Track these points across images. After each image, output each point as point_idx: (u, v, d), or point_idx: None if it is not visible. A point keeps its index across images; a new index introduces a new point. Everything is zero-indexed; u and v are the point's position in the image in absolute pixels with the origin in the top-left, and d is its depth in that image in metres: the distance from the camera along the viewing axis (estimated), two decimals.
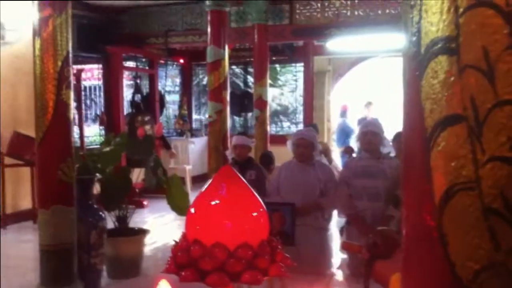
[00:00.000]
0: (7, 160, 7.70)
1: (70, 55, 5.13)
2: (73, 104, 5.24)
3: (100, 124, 9.91)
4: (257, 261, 1.20)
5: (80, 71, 9.12)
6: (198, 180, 10.32)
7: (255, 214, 1.31)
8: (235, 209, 1.28)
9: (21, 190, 7.95)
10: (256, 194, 1.36)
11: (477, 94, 0.66)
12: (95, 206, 5.62)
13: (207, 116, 8.65)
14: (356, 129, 12.65)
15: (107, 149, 5.95)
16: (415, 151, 0.71)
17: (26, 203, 8.07)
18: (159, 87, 11.61)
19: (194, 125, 13.00)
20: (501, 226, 0.65)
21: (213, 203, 1.29)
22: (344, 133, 12.77)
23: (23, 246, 6.72)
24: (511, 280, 0.65)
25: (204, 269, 1.19)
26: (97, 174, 5.81)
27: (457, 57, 0.68)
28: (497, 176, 0.65)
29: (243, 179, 1.39)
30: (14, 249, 7.01)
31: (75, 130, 9.56)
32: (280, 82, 13.73)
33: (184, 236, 1.31)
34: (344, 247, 2.47)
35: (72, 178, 5.07)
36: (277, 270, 1.23)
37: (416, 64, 0.71)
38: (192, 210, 1.33)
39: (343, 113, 12.98)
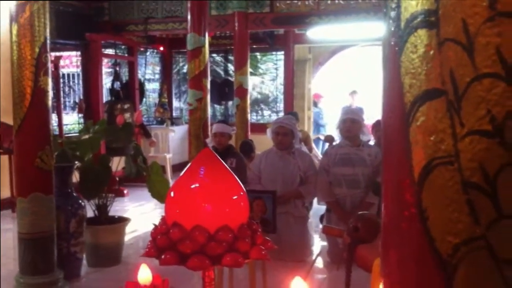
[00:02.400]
0: None
1: (48, 41, 5.05)
2: (51, 91, 5.17)
3: (79, 111, 9.80)
4: (238, 244, 1.20)
5: (58, 58, 9.00)
6: (178, 168, 10.27)
7: (235, 197, 1.30)
8: (215, 192, 1.28)
9: (0, 179, 7.85)
10: (236, 178, 1.36)
11: (456, 68, 0.66)
12: (74, 194, 5.57)
13: (187, 104, 8.60)
14: (328, 119, 12.78)
15: (86, 136, 5.88)
16: (395, 127, 0.71)
17: (5, 192, 7.97)
18: (139, 75, 11.51)
19: (174, 113, 12.93)
20: (481, 200, 0.65)
21: (192, 186, 1.28)
22: (315, 122, 12.91)
23: (3, 235, 6.62)
24: (490, 254, 0.65)
25: (185, 252, 1.19)
26: (76, 162, 5.76)
27: (437, 31, 0.67)
28: (476, 150, 0.65)
29: (223, 163, 1.38)
30: None
31: (54, 118, 9.46)
32: (260, 71, 13.71)
33: (163, 219, 1.30)
34: (325, 231, 2.48)
35: (51, 166, 5.01)
36: (258, 253, 1.23)
37: (396, 40, 0.71)
38: (172, 194, 1.32)
39: (315, 102, 13.08)
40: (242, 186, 1.36)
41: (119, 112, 9.35)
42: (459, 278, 0.66)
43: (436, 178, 0.68)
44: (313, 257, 5.82)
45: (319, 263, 5.73)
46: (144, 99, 12.11)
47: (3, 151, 7.58)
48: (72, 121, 10.30)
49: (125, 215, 6.42)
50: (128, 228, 6.12)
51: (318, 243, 6.15)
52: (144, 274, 1.34)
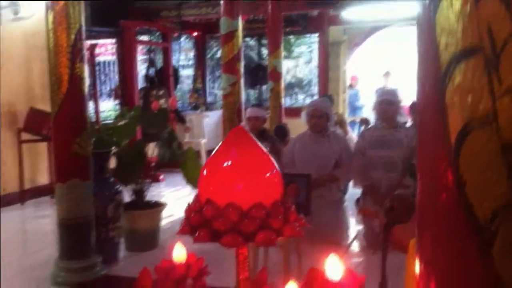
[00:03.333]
0: (24, 136, 7.76)
1: (83, 28, 5.10)
2: (87, 78, 5.24)
3: (115, 98, 9.92)
4: (271, 221, 1.18)
5: (94, 46, 9.11)
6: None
7: (268, 174, 1.29)
8: (248, 170, 1.26)
9: (39, 166, 8.03)
10: (269, 155, 1.34)
11: (494, 23, 0.62)
12: (112, 180, 5.64)
13: (221, 89, 8.60)
14: (365, 101, 12.64)
15: (122, 122, 5.95)
16: (430, 91, 0.68)
17: (43, 178, 8.14)
18: (173, 61, 11.56)
19: (208, 99, 12.97)
20: None
21: (225, 164, 1.27)
22: (352, 104, 12.79)
23: (42, 221, 6.79)
24: None
25: (218, 229, 1.18)
26: (113, 148, 5.82)
27: None
28: None
29: (256, 140, 1.36)
30: (32, 224, 7.11)
31: (91, 105, 9.60)
32: (294, 54, 13.61)
33: (197, 197, 1.29)
34: (361, 212, 2.44)
35: (88, 152, 5.08)
36: (291, 230, 1.21)
37: None
38: (205, 172, 1.31)
39: (352, 85, 12.95)
40: (275, 164, 1.34)
41: (154, 99, 9.44)
42: (498, 244, 0.63)
43: (473, 141, 0.65)
44: (349, 241, 5.78)
45: (355, 246, 5.68)
46: (178, 85, 12.17)
47: (41, 138, 7.73)
48: (108, 108, 10.44)
49: (162, 200, 6.48)
50: (165, 213, 6.18)
51: (354, 227, 6.10)
52: (179, 252, 1.34)
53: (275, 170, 1.31)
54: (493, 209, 0.63)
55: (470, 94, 0.63)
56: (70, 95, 4.96)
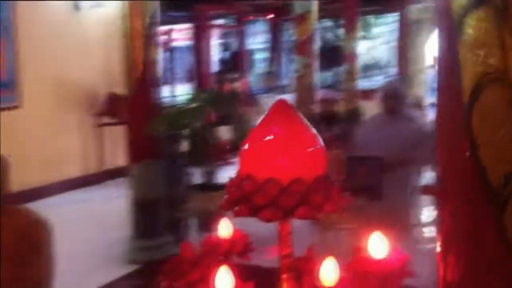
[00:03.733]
0: (104, 119, 8.07)
1: (157, 14, 5.20)
2: (163, 63, 5.35)
3: (188, 81, 10.10)
4: (311, 196, 1.15)
5: (170, 31, 9.28)
6: None
7: (310, 149, 1.25)
8: (289, 144, 1.23)
9: (118, 148, 8.31)
10: (315, 131, 1.30)
11: None
12: (183, 161, 5.75)
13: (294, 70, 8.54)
14: None
15: (194, 105, 6.03)
16: (445, 47, 0.63)
17: (122, 160, 8.42)
18: (248, 45, 11.60)
19: (283, 82, 12.93)
20: None
21: (266, 138, 1.24)
22: (432, 85, 12.31)
23: (120, 201, 7.01)
24: None
25: (257, 204, 1.16)
26: (184, 130, 5.92)
27: None
28: None
29: (299, 114, 1.32)
30: (111, 204, 7.38)
31: (166, 89, 9.83)
32: (373, 34, 13.28)
33: (238, 172, 1.27)
34: (425, 191, 2.35)
35: (161, 134, 5.21)
36: (333, 206, 1.17)
37: None
38: (246, 146, 1.29)
39: (432, 65, 12.46)
40: (320, 140, 1.29)
41: (228, 82, 9.51)
42: (509, 210, 0.58)
43: (487, 98, 0.64)
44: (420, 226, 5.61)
45: (426, 232, 5.51)
46: (252, 68, 12.22)
47: (120, 121, 7.98)
48: (184, 91, 10.64)
49: None
50: None
51: (426, 212, 5.90)
52: (225, 228, 1.33)
53: (318, 146, 1.27)
54: (505, 173, 0.61)
55: (482, 48, 0.59)
56: (143, 78, 5.10)
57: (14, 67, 7.00)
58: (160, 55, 5.35)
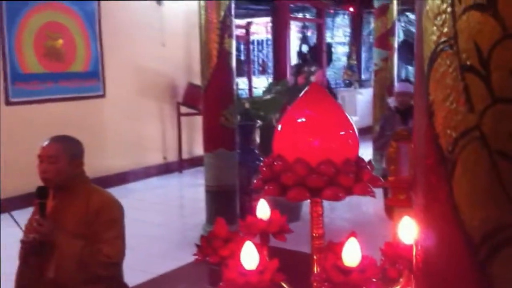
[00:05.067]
0: (183, 110, 8.31)
1: (232, 5, 5.28)
2: (239, 55, 5.43)
3: (262, 73, 10.18)
4: (340, 178, 1.15)
5: (249, 24, 9.38)
6: (365, 131, 10.14)
7: (342, 133, 1.25)
8: (320, 126, 1.24)
9: (195, 137, 8.53)
10: (347, 115, 1.30)
11: None
12: (256, 151, 5.82)
13: (373, 64, 8.41)
14: None
15: (268, 96, 6.09)
16: (416, 23, 0.68)
17: (199, 149, 8.64)
18: (328, 38, 11.51)
19: (363, 76, 12.73)
20: (475, 84, 0.63)
21: (299, 120, 1.26)
22: None
23: (196, 189, 7.21)
24: (484, 145, 0.61)
25: (286, 183, 1.18)
26: (259, 121, 6.00)
27: None
28: (471, 27, 0.62)
29: (334, 99, 1.33)
30: (188, 191, 7.61)
31: (244, 81, 9.96)
32: None
33: (272, 153, 1.30)
34: None
35: (234, 124, 5.31)
36: (363, 189, 1.17)
37: None
38: (279, 127, 1.31)
39: None
40: (353, 124, 1.29)
41: (306, 75, 9.50)
42: (457, 174, 0.63)
43: (439, 65, 0.65)
44: None
45: None
46: (332, 62, 12.10)
47: (197, 111, 8.19)
48: (261, 84, 10.74)
49: None
50: None
51: None
52: (262, 208, 1.36)
53: (351, 130, 1.27)
54: (453, 138, 0.63)
55: (437, 16, 0.63)
56: (218, 70, 5.20)
57: (99, 58, 7.36)
58: (236, 48, 5.42)
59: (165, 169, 8.33)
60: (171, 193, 7.66)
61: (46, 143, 2.72)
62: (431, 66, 0.66)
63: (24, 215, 2.76)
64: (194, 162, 8.27)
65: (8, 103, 6.52)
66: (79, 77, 7.19)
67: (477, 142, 0.61)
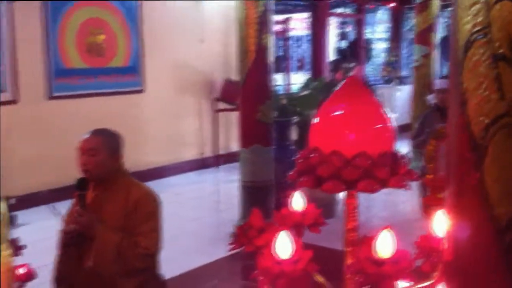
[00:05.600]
0: (220, 105, 8.36)
1: (271, 1, 5.28)
2: (277, 51, 5.43)
3: (299, 69, 10.14)
4: (375, 170, 1.15)
5: (288, 20, 9.37)
6: (404, 129, 10.00)
7: (378, 126, 1.25)
8: (356, 119, 1.24)
9: (232, 133, 8.57)
10: (385, 109, 1.30)
11: None
12: (293, 147, 5.81)
13: (413, 60, 8.29)
14: None
15: (305, 93, 6.07)
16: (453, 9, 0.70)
17: (235, 145, 8.68)
18: (368, 34, 11.39)
19: (403, 73, 12.55)
20: (507, 73, 0.64)
21: (335, 113, 1.26)
22: None
23: (232, 184, 7.25)
24: None
25: (321, 175, 1.18)
26: (295, 117, 5.99)
27: None
28: (503, 16, 0.63)
29: (370, 91, 1.32)
30: (224, 186, 7.65)
31: (282, 77, 9.95)
32: None
33: (307, 146, 1.30)
34: None
35: (271, 120, 5.31)
36: (398, 182, 1.16)
37: None
38: (315, 120, 1.31)
39: None
40: (390, 117, 1.29)
41: (344, 71, 9.43)
42: (487, 160, 0.64)
43: (473, 54, 0.66)
44: None
45: None
46: (371, 58, 11.97)
47: (234, 107, 8.22)
48: (298, 80, 10.70)
49: None
50: None
51: None
52: (297, 200, 1.37)
53: (388, 124, 1.26)
54: (485, 124, 0.65)
55: (473, 6, 0.65)
56: (256, 65, 5.21)
57: (139, 54, 7.47)
58: (274, 44, 5.41)
59: (201, 164, 8.40)
60: (207, 188, 7.73)
61: (86, 136, 2.78)
62: (465, 55, 0.67)
63: (65, 207, 2.83)
64: (230, 157, 8.30)
65: (50, 97, 6.68)
66: (119, 72, 7.32)
67: (507, 129, 0.63)
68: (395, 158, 1.20)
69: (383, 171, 1.14)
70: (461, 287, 0.69)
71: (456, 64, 0.68)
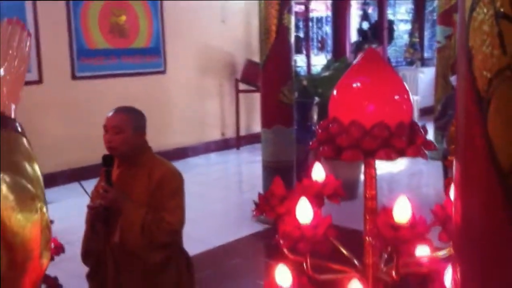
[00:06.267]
0: (241, 86, 8.38)
1: None
2: (298, 32, 5.43)
3: (320, 49, 10.09)
4: (393, 140, 1.18)
5: (309, 1, 9.31)
6: (426, 112, 9.94)
7: (396, 97, 1.28)
8: (375, 90, 1.27)
9: (253, 115, 8.61)
10: (402, 80, 1.33)
11: None
12: (314, 128, 5.83)
13: (436, 42, 8.20)
14: None
15: (327, 73, 6.07)
16: None
17: (257, 126, 8.72)
18: (389, 15, 11.27)
19: (426, 54, 12.42)
20: (508, 30, 0.70)
21: (354, 84, 1.29)
22: None
23: (253, 165, 7.31)
24: None
25: (341, 145, 1.22)
26: (316, 98, 5.99)
27: None
28: None
29: (389, 64, 1.35)
30: (246, 167, 7.72)
31: (302, 58, 9.92)
32: None
33: (327, 117, 1.34)
34: None
35: (292, 101, 5.33)
36: (416, 151, 1.20)
37: None
38: (335, 92, 1.34)
39: None
40: (408, 89, 1.32)
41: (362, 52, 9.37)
42: (491, 111, 0.70)
43: (478, 14, 0.72)
44: None
45: None
46: (393, 40, 11.86)
47: (255, 89, 8.24)
48: (319, 62, 10.66)
49: None
50: None
51: None
52: (318, 171, 1.40)
53: (406, 96, 1.29)
54: (488, 79, 0.70)
55: None
56: (277, 45, 5.22)
57: (160, 35, 7.52)
58: (295, 25, 5.41)
59: (223, 145, 8.46)
60: (229, 169, 7.81)
61: (111, 113, 2.82)
62: (471, 15, 0.73)
63: (90, 185, 2.89)
64: (252, 139, 8.36)
65: (74, 77, 6.78)
66: (141, 53, 7.38)
67: (509, 81, 0.69)
68: (413, 129, 1.23)
69: (401, 141, 1.18)
70: (468, 240, 0.74)
71: (463, 26, 0.74)
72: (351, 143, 1.18)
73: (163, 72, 7.63)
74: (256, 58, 8.11)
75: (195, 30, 7.84)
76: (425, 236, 1.09)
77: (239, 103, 8.47)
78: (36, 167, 0.81)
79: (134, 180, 2.82)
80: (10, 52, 0.95)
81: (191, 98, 8.00)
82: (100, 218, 2.79)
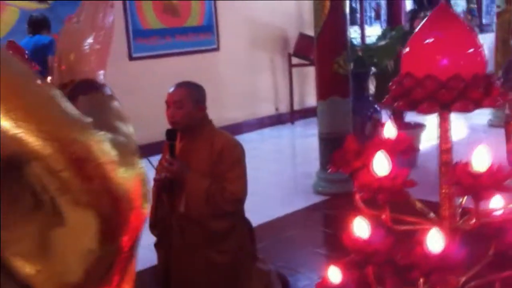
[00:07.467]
0: (294, 60, 8.35)
1: None
2: (352, 2, 5.36)
3: (376, 18, 9.91)
4: (469, 92, 1.18)
5: None
6: None
7: (470, 50, 1.27)
8: (449, 44, 1.27)
9: (307, 88, 8.58)
10: (474, 33, 1.32)
11: None
12: (371, 99, 5.77)
13: (495, 6, 7.92)
14: None
15: (383, 43, 5.97)
16: None
17: (311, 100, 8.68)
18: None
19: (484, 20, 12.02)
20: None
21: (427, 40, 1.29)
22: None
23: (308, 139, 7.32)
24: None
25: (416, 98, 1.22)
26: (373, 68, 5.91)
27: None
28: None
29: (460, 18, 1.34)
30: (300, 141, 7.74)
31: (356, 29, 9.78)
32: None
33: (399, 72, 1.34)
34: None
35: (347, 71, 5.28)
36: (491, 102, 1.19)
37: None
38: (407, 48, 1.35)
39: None
40: (480, 43, 1.31)
41: (419, 20, 9.15)
42: None
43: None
44: None
45: None
46: (450, 6, 11.52)
47: (309, 62, 8.20)
48: (374, 33, 10.47)
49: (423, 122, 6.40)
50: (424, 136, 6.08)
51: None
52: (389, 129, 1.41)
53: (479, 49, 1.28)
54: None
55: None
56: (331, 16, 5.17)
57: (212, 12, 7.56)
58: None
59: (277, 120, 8.49)
60: (284, 143, 7.84)
61: (172, 89, 2.91)
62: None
63: (154, 160, 2.98)
64: (305, 113, 8.35)
65: (130, 58, 6.92)
66: (194, 31, 7.45)
67: None
68: (487, 81, 1.22)
69: (477, 92, 1.17)
70: None
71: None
72: (427, 96, 1.19)
73: (216, 49, 7.69)
74: (309, 32, 8.05)
75: (246, 6, 7.83)
76: (504, 183, 1.09)
77: (292, 77, 8.45)
78: (130, 126, 0.87)
79: (197, 153, 2.90)
80: (96, 23, 1.01)
81: (245, 74, 8.03)
82: (165, 190, 2.89)
